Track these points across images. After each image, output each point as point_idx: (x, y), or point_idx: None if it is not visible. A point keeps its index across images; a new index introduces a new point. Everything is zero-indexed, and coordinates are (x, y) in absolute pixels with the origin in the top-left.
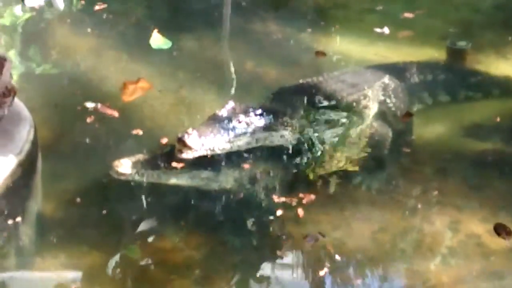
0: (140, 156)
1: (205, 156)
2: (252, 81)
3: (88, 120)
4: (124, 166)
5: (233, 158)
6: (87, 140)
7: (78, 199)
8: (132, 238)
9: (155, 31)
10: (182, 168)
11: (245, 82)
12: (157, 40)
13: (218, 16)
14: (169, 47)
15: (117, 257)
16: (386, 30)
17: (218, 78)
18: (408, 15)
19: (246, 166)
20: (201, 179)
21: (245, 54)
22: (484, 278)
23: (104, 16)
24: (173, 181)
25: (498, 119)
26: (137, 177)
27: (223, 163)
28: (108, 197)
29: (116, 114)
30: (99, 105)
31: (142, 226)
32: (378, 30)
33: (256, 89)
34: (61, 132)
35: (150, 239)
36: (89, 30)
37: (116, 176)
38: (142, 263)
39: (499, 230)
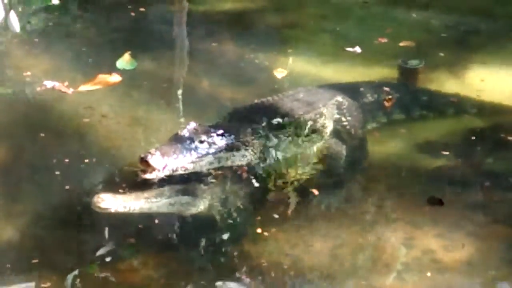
0: (119, 188)
1: (181, 181)
2: (208, 100)
3: (44, 138)
4: (106, 202)
5: (204, 180)
6: (44, 162)
7: (35, 222)
8: (90, 259)
9: (128, 53)
10: (162, 196)
11: (201, 101)
12: (124, 61)
13: (174, 36)
14: (133, 68)
15: (75, 279)
16: (358, 49)
17: (174, 97)
18: (382, 40)
19: (215, 186)
20: (181, 204)
21: (200, 73)
22: None
23: (60, 37)
24: (154, 210)
25: (451, 137)
26: (120, 210)
27: (198, 187)
28: (66, 219)
29: (70, 91)
30: (56, 84)
31: (100, 247)
32: (350, 49)
33: (212, 108)
34: (17, 154)
35: (108, 260)
36: (44, 51)
37: (99, 211)
38: (100, 284)
39: (432, 201)
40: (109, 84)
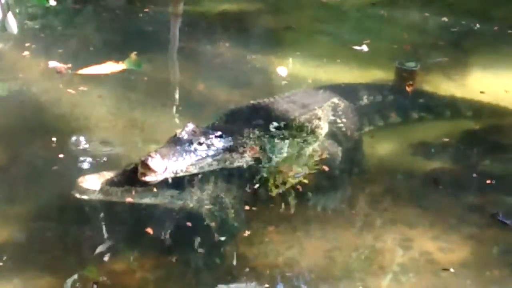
0: (103, 174)
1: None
2: (203, 102)
3: (42, 143)
4: (89, 182)
5: (195, 176)
6: (40, 163)
7: (31, 223)
8: (86, 260)
9: (134, 53)
10: (145, 186)
11: (196, 103)
12: (132, 61)
13: (169, 38)
14: (140, 68)
15: (70, 280)
16: (364, 47)
17: (170, 99)
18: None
19: (208, 185)
20: (165, 197)
21: (196, 75)
22: None
23: (57, 39)
24: (136, 199)
25: (446, 139)
26: (100, 195)
27: (186, 181)
28: (61, 220)
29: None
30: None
31: (96, 248)
32: (357, 47)
33: (207, 110)
34: (13, 155)
35: (104, 261)
36: (41, 52)
37: (80, 194)
38: (96, 285)
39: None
40: (112, 72)
